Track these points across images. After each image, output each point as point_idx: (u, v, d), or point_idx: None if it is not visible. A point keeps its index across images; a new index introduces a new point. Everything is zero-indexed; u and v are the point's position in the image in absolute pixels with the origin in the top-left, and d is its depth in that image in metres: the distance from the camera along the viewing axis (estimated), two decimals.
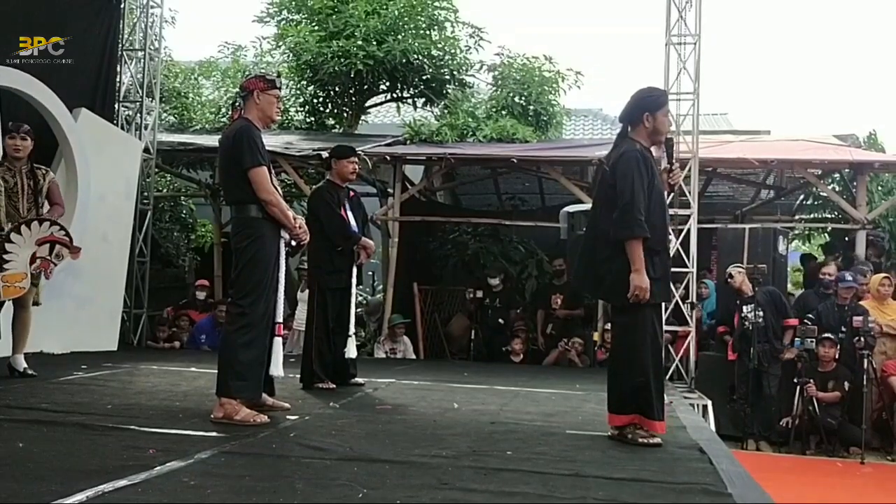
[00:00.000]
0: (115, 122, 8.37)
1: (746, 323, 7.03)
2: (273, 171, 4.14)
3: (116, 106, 8.59)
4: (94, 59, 8.12)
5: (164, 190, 11.38)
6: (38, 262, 4.82)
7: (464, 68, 11.31)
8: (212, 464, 3.03)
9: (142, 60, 8.84)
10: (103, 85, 8.19)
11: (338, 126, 11.65)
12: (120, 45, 8.66)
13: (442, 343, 9.57)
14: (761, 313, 7.03)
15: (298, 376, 5.40)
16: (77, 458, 3.06)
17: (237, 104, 4.17)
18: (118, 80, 8.65)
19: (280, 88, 4.16)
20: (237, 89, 4.29)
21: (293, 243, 4.17)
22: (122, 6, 8.63)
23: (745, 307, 7.13)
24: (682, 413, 4.95)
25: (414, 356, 8.68)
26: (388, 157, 9.03)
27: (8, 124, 5.31)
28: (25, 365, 5.27)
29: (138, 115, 8.76)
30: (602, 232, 3.76)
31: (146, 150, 8.66)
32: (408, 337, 8.72)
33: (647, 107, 3.78)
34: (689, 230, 7.48)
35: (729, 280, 7.26)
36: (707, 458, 3.39)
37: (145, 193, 8.79)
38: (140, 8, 8.89)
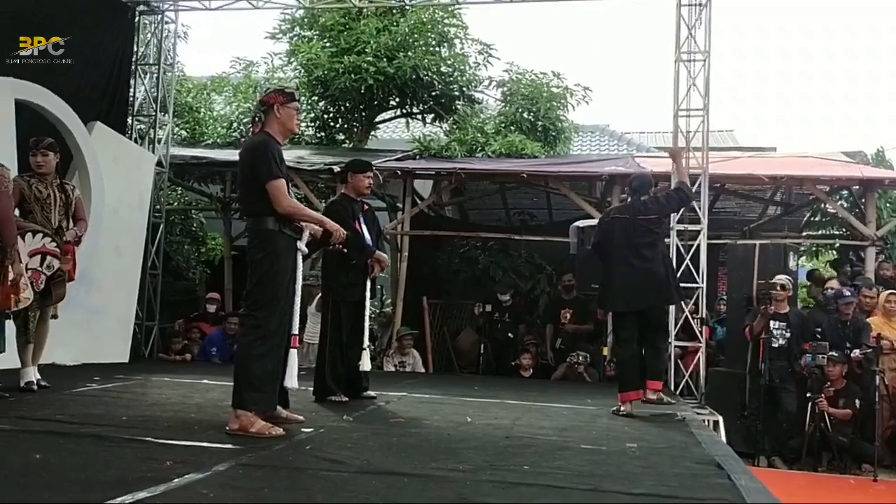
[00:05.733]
0: (127, 135, 8.44)
1: (772, 339, 7.00)
2: (290, 185, 4.17)
3: (130, 120, 8.67)
4: (107, 72, 8.20)
5: (175, 203, 11.43)
6: (30, 273, 4.83)
7: (473, 84, 11.39)
8: (229, 476, 3.03)
9: (156, 75, 8.93)
10: (111, 98, 8.25)
11: (347, 141, 11.72)
12: (134, 60, 8.74)
13: (450, 357, 9.57)
14: (788, 334, 7.03)
15: (311, 389, 5.41)
16: (95, 469, 3.06)
17: (257, 118, 4.20)
18: (132, 94, 8.73)
19: (299, 101, 4.20)
20: (257, 104, 4.32)
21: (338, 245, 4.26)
22: (136, 21, 8.74)
23: (774, 322, 7.10)
24: (696, 429, 4.93)
25: (423, 369, 8.69)
26: (398, 172, 9.07)
27: (31, 140, 5.35)
28: (38, 377, 5.28)
29: (151, 128, 8.83)
30: (656, 252, 5.42)
31: (159, 164, 8.73)
32: (416, 350, 8.72)
33: (652, 183, 5.86)
34: (698, 245, 7.48)
35: (776, 290, 7.13)
36: (725, 474, 3.37)
37: (157, 206, 8.85)
38: (154, 23, 8.99)
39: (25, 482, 2.79)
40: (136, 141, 8.61)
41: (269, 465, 3.25)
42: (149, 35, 9.09)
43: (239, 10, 8.76)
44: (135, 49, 8.80)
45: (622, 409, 5.33)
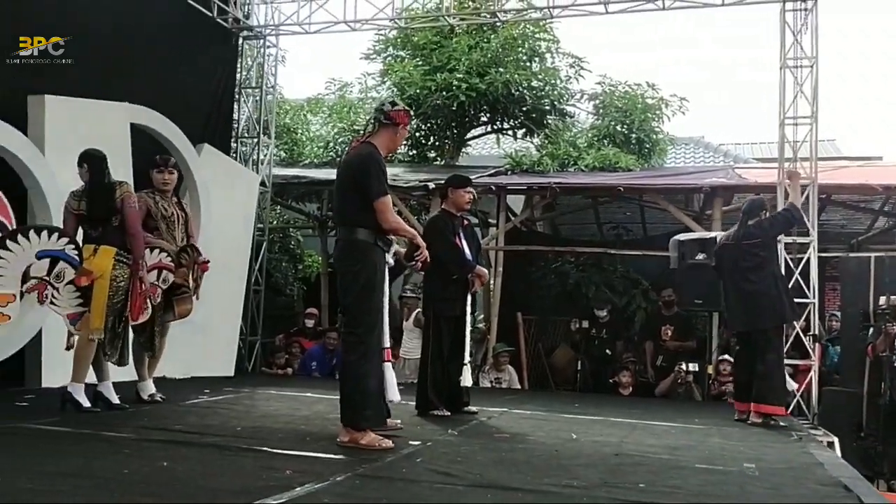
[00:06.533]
0: (232, 156, 8.76)
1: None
2: None
3: (235, 143, 9.00)
4: (212, 96, 8.51)
5: (275, 222, 11.79)
6: (149, 286, 5.06)
7: (564, 98, 11.33)
8: (348, 486, 3.08)
9: (259, 98, 9.26)
10: (216, 121, 8.52)
11: (439, 158, 11.83)
12: (237, 84, 9.09)
13: (545, 373, 9.47)
14: None
15: (413, 403, 5.46)
16: (220, 478, 3.17)
17: (369, 127, 4.23)
18: (235, 117, 9.07)
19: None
20: (377, 112, 4.18)
21: (411, 264, 4.29)
22: (239, 46, 9.09)
23: None
24: (815, 450, 4.73)
25: (518, 386, 8.62)
26: (492, 188, 9.09)
27: (157, 159, 5.62)
28: (154, 389, 5.51)
29: (254, 150, 9.15)
30: (764, 275, 5.68)
31: (262, 184, 9.02)
32: (511, 366, 8.67)
33: (764, 206, 6.00)
34: (808, 259, 7.19)
35: None
36: (854, 497, 3.21)
37: (260, 225, 9.13)
38: (256, 48, 9.33)
39: (158, 490, 2.92)
40: (240, 162, 8.92)
41: (385, 477, 3.29)
42: (250, 60, 9.44)
43: (336, 33, 8.98)
44: (238, 73, 9.14)
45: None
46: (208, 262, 5.65)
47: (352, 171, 4.02)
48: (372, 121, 4.17)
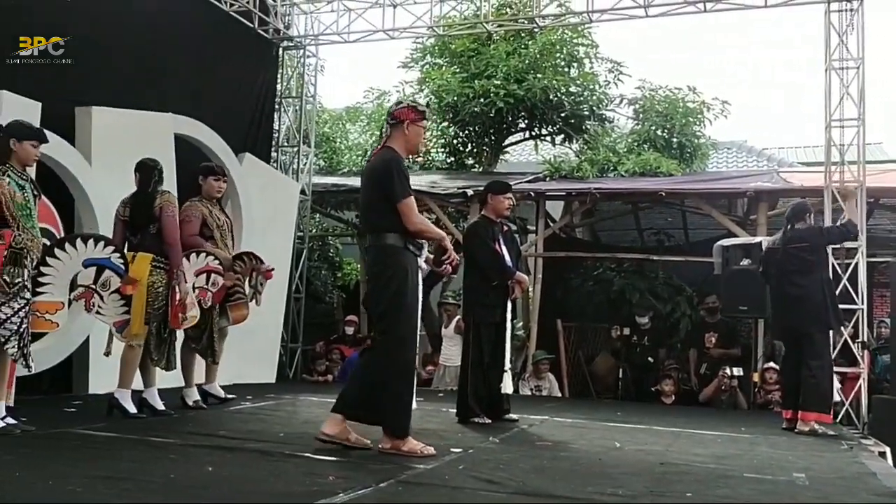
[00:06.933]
0: (272, 165, 8.87)
1: None
2: None
3: (275, 153, 9.10)
4: (253, 105, 8.62)
5: (314, 230, 11.88)
6: (197, 292, 5.12)
7: (603, 103, 11.24)
8: (391, 492, 3.08)
9: (299, 108, 9.36)
10: (257, 130, 8.61)
11: (477, 165, 11.82)
12: (278, 93, 9.20)
13: (586, 381, 9.37)
14: None
15: (454, 410, 5.44)
16: (265, 482, 3.19)
17: (383, 132, 4.17)
18: (276, 126, 9.18)
19: (428, 119, 4.18)
20: (385, 116, 4.16)
21: (440, 269, 4.25)
22: (280, 56, 9.19)
23: None
24: (867, 459, 4.60)
25: (559, 394, 8.55)
26: (531, 194, 9.05)
27: (213, 166, 5.72)
28: (222, 392, 5.63)
29: (294, 159, 9.24)
30: (811, 279, 5.63)
31: (302, 192, 9.11)
32: (551, 374, 8.59)
33: (808, 209, 5.97)
34: (856, 265, 7.01)
35: None
36: None
37: (299, 233, 9.22)
38: (297, 58, 9.44)
39: (206, 493, 2.95)
40: (280, 171, 9.02)
41: (427, 484, 3.28)
42: (290, 70, 9.55)
43: (374, 42, 9.04)
44: (278, 83, 9.24)
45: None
46: (272, 269, 5.73)
47: (375, 177, 4.00)
48: (385, 126, 4.15)
